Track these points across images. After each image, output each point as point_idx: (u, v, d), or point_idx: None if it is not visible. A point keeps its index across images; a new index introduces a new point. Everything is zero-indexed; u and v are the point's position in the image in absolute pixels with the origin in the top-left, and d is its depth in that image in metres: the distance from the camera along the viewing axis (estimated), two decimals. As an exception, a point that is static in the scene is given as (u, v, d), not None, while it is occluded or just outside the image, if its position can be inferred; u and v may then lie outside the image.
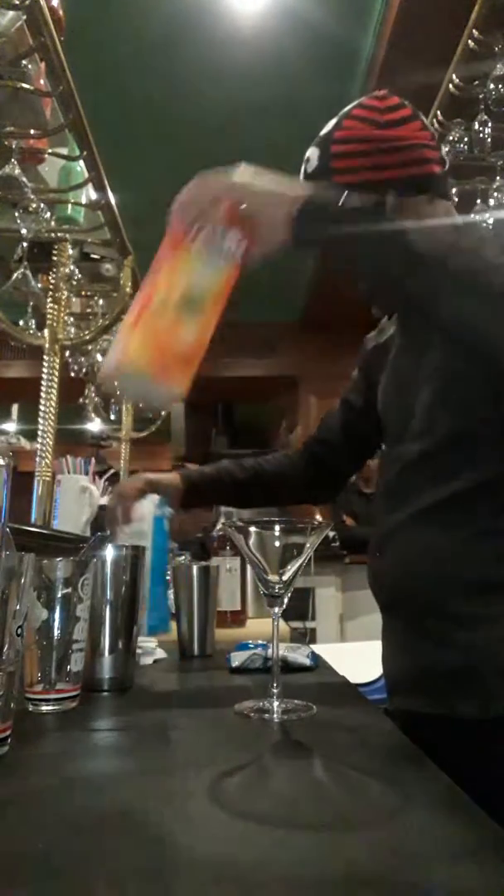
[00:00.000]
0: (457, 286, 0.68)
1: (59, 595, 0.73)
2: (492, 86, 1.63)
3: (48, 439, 1.88)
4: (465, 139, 1.80)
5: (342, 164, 0.94)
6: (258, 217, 0.73)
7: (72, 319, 2.33)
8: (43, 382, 1.91)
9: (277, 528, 0.76)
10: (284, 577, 0.76)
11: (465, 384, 0.94)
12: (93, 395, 2.87)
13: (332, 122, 0.99)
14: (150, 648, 1.08)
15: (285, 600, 0.78)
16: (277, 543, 0.76)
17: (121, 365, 0.65)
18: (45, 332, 1.94)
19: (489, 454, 0.92)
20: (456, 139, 1.80)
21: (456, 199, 1.88)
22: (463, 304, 0.69)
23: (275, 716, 0.71)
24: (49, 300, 1.95)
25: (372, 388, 1.19)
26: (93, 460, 1.92)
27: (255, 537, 0.77)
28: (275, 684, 0.74)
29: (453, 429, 0.95)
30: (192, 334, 0.69)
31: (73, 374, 2.67)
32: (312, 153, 0.99)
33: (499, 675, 0.87)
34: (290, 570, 0.77)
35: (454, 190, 1.89)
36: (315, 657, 1.02)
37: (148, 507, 1.13)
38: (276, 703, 0.73)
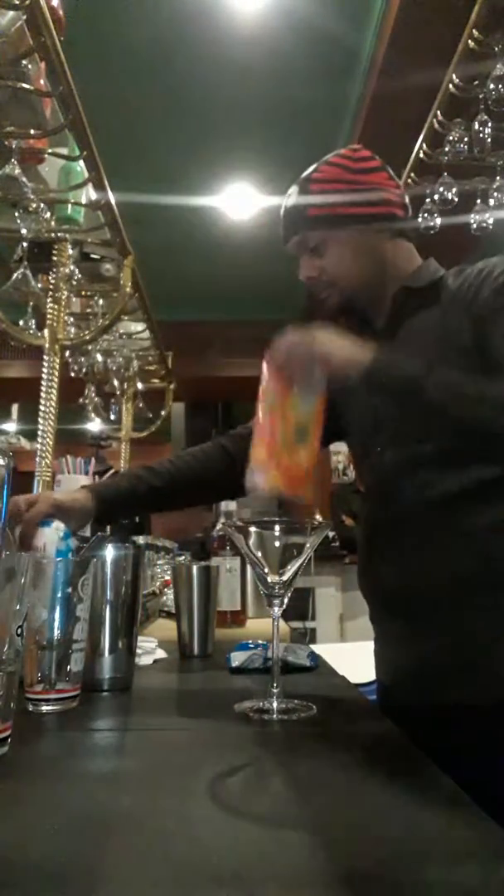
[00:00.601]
0: (466, 422, 0.88)
1: (59, 595, 0.73)
2: (492, 86, 1.63)
3: (48, 439, 1.88)
4: (465, 139, 1.80)
5: (318, 199, 1.10)
6: (338, 373, 0.93)
7: (72, 319, 2.33)
8: (43, 382, 1.91)
9: (277, 528, 0.76)
10: (284, 577, 0.76)
11: None
12: (93, 395, 2.86)
13: (312, 167, 1.13)
14: (150, 648, 1.08)
15: (285, 600, 0.78)
16: (277, 543, 0.76)
17: (266, 488, 0.90)
18: (45, 332, 1.93)
19: (490, 456, 0.93)
20: (456, 139, 1.80)
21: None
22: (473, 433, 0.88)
23: (275, 715, 0.70)
24: (49, 300, 1.95)
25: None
26: (93, 460, 1.92)
27: (255, 537, 0.77)
28: (275, 684, 0.74)
29: (454, 435, 0.95)
30: (305, 457, 0.94)
31: (73, 374, 2.67)
32: (293, 190, 1.13)
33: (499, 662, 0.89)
34: (290, 570, 0.76)
35: (454, 190, 1.89)
36: (315, 657, 1.02)
37: (50, 538, 1.05)
38: (275, 703, 0.73)
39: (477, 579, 0.93)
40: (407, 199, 1.14)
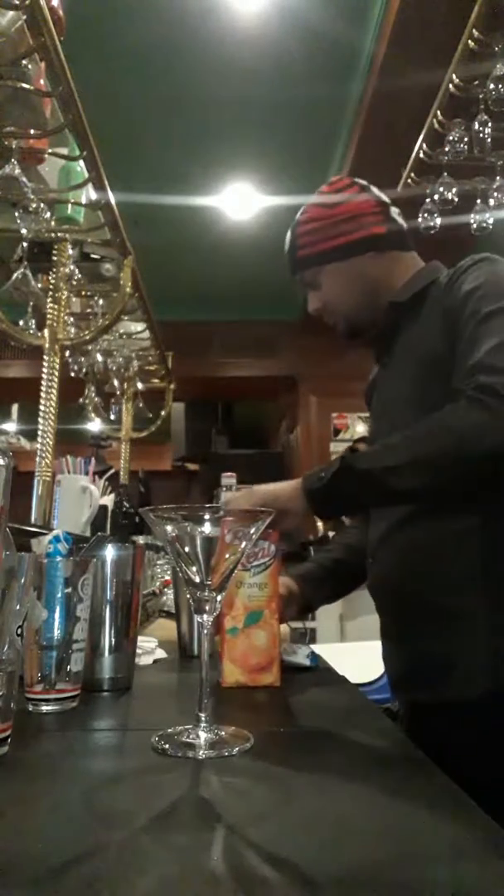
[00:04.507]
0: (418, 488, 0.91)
1: (59, 595, 0.73)
2: (492, 86, 1.63)
3: (48, 439, 1.88)
4: (465, 139, 1.80)
5: (303, 241, 1.18)
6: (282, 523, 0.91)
7: (72, 319, 2.33)
8: (43, 382, 1.91)
9: (207, 514, 0.62)
10: (217, 578, 0.63)
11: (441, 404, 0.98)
12: (93, 395, 2.86)
13: (301, 209, 1.21)
14: (150, 648, 1.08)
15: (217, 605, 0.65)
16: (207, 533, 0.62)
17: (227, 683, 0.87)
18: (45, 332, 1.93)
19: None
20: (456, 139, 1.80)
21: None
22: (427, 489, 0.92)
23: (200, 753, 0.57)
24: (49, 300, 1.95)
25: None
26: (93, 460, 1.92)
27: (178, 529, 0.62)
28: (201, 712, 0.62)
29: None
30: (263, 639, 0.88)
31: (73, 374, 2.67)
32: (288, 235, 1.21)
33: (480, 660, 0.92)
34: (222, 569, 0.63)
35: (454, 190, 1.89)
36: (315, 657, 1.02)
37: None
38: (203, 736, 0.60)
39: (462, 579, 0.95)
40: (394, 212, 1.18)
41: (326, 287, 1.18)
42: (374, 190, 1.19)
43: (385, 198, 1.19)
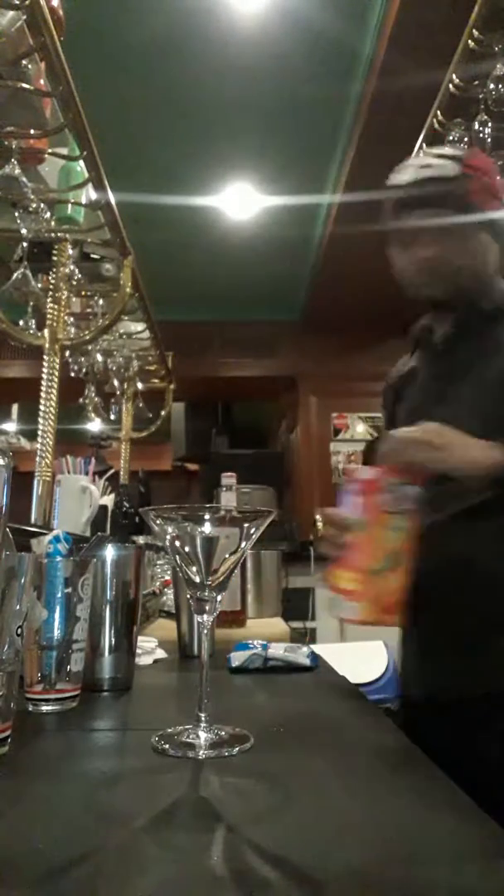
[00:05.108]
0: None
1: (59, 595, 0.73)
2: (492, 86, 1.63)
3: (48, 439, 1.88)
4: (465, 139, 1.79)
5: (473, 185, 1.07)
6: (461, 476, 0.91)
7: (72, 319, 2.33)
8: (43, 382, 1.91)
9: (207, 514, 0.62)
10: (217, 578, 0.63)
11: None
12: (93, 395, 2.86)
13: (453, 149, 1.15)
14: (150, 648, 1.08)
15: (217, 605, 0.65)
16: (207, 534, 0.62)
17: (359, 621, 0.87)
18: (45, 332, 1.94)
19: None
20: (456, 139, 1.80)
21: None
22: None
23: (200, 753, 0.58)
24: (49, 300, 1.95)
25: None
26: (93, 460, 1.92)
27: (178, 529, 0.63)
28: (201, 711, 0.62)
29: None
30: (396, 581, 0.90)
31: (73, 374, 2.67)
32: (441, 162, 1.07)
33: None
34: (223, 569, 0.64)
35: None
36: (315, 657, 1.02)
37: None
38: (203, 736, 0.60)
39: (461, 579, 0.95)
40: None
41: (453, 241, 1.06)
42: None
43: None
